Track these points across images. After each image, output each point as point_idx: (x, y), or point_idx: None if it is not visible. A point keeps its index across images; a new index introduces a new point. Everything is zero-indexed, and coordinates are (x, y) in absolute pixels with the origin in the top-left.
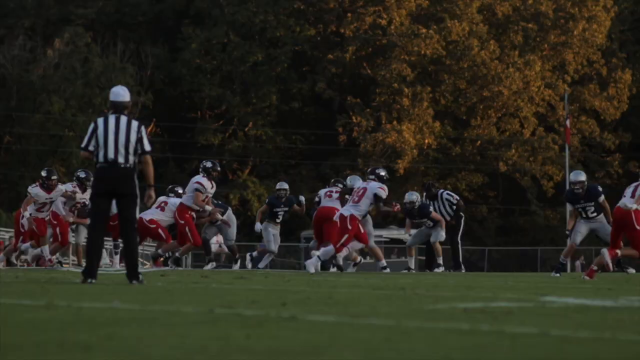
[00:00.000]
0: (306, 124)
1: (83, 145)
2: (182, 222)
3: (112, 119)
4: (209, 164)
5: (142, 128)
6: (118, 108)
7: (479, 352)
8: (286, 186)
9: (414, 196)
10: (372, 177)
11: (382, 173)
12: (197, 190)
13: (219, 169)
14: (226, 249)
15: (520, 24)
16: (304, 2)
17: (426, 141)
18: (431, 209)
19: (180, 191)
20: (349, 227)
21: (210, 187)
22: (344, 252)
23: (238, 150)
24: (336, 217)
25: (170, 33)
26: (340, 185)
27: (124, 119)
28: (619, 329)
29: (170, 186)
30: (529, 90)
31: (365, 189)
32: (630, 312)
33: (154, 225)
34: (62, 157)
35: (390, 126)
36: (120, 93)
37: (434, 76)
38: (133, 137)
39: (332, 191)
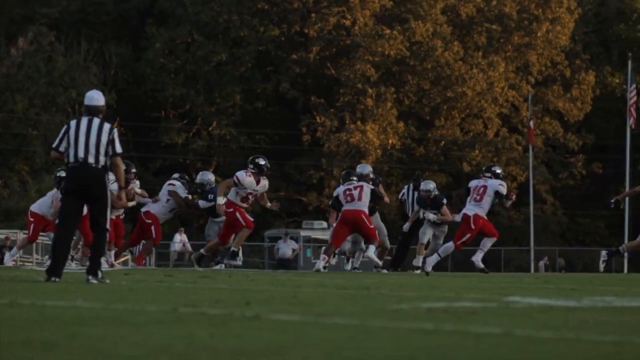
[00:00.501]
0: (270, 124)
1: (54, 145)
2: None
3: (84, 121)
4: (262, 161)
5: (114, 131)
6: (92, 112)
7: (443, 352)
8: None
9: (430, 185)
10: (488, 174)
11: (498, 171)
12: (233, 181)
13: (269, 165)
14: (190, 248)
15: (484, 25)
16: (268, 2)
17: (390, 141)
18: (444, 200)
19: (175, 177)
20: (473, 226)
21: (253, 184)
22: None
23: (202, 150)
24: (459, 217)
25: (134, 32)
26: (355, 179)
27: (96, 121)
28: (582, 329)
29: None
30: (493, 91)
31: (485, 186)
32: (593, 312)
33: (149, 221)
34: (25, 155)
35: (354, 126)
36: (95, 97)
37: (397, 77)
38: (104, 138)
39: (350, 190)
